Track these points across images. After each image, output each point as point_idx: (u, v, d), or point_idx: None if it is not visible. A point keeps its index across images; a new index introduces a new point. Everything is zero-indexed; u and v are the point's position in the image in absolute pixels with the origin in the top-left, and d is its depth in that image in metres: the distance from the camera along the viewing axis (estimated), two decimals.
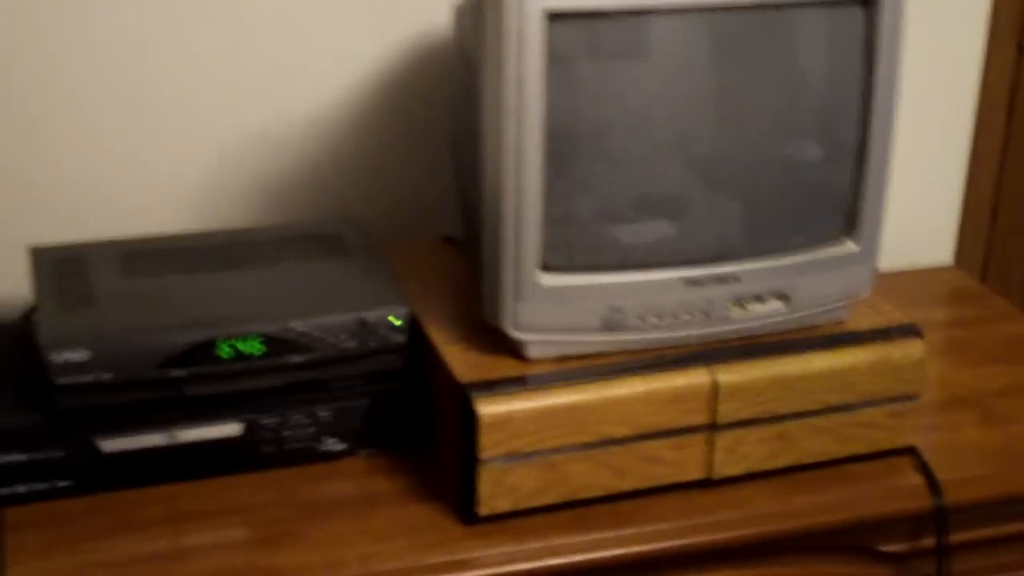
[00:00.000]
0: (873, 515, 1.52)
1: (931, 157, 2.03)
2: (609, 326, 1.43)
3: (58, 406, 1.40)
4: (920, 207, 1.99)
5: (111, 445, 1.43)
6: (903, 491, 1.53)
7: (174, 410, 1.44)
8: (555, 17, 1.30)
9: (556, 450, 1.42)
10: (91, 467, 1.43)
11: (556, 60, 1.32)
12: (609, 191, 1.42)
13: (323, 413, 1.50)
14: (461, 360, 1.44)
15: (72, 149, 1.68)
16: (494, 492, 1.41)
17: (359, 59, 1.74)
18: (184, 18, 1.66)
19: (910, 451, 1.56)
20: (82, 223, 1.68)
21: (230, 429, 1.47)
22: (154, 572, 1.36)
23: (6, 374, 1.50)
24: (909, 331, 1.53)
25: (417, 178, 1.81)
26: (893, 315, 1.56)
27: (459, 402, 1.39)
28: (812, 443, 1.51)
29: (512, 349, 1.44)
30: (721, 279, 1.45)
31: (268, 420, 1.48)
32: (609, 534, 1.44)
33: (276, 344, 1.44)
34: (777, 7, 1.39)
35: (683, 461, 1.47)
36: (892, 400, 1.53)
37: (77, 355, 1.38)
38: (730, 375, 1.45)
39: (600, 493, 1.46)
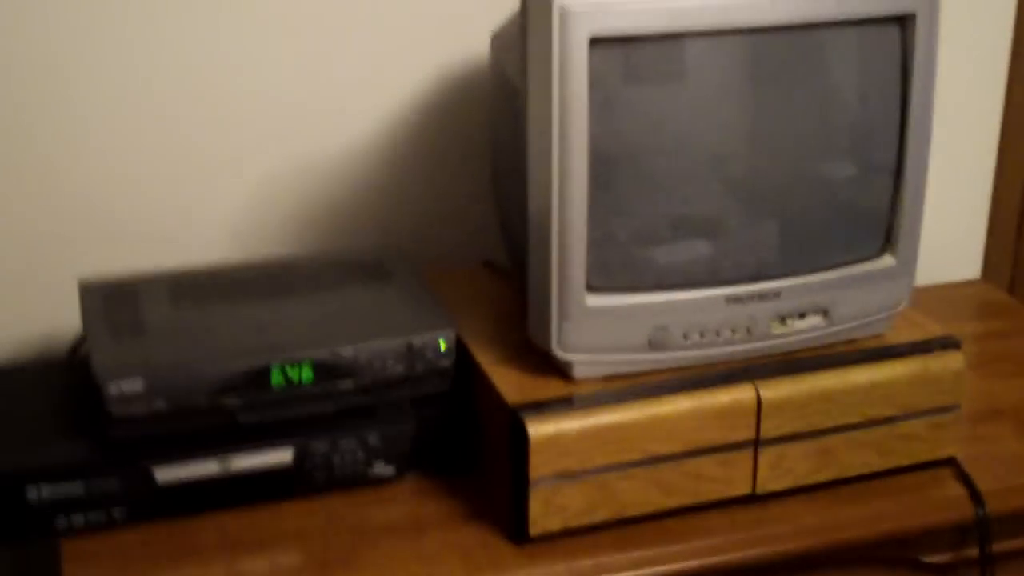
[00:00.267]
0: (916, 526, 1.54)
1: (958, 173, 2.06)
2: (654, 345, 1.45)
3: (114, 436, 1.42)
4: (948, 222, 2.02)
5: (165, 474, 1.45)
6: (945, 502, 1.55)
7: (227, 438, 1.46)
8: (598, 42, 1.32)
9: (604, 468, 1.44)
10: (146, 496, 1.45)
11: (597, 84, 1.34)
12: (650, 212, 1.44)
13: (371, 438, 1.52)
14: (508, 382, 1.46)
15: (115, 183, 1.70)
16: (544, 512, 1.43)
17: (397, 89, 1.76)
18: (227, 53, 1.69)
19: (951, 462, 1.58)
20: (126, 256, 1.70)
21: (282, 456, 1.49)
22: None
23: (58, 406, 1.53)
24: (948, 343, 1.55)
25: (455, 204, 1.83)
26: (931, 328, 1.58)
27: (508, 423, 1.41)
28: (854, 456, 1.53)
29: (558, 370, 1.47)
30: (762, 296, 1.47)
31: (318, 446, 1.50)
32: (658, 551, 1.46)
33: (326, 370, 1.47)
34: (813, 27, 1.42)
35: (729, 477, 1.49)
36: (932, 412, 1.55)
37: (132, 385, 1.40)
38: (773, 391, 1.47)
39: (648, 510, 1.47)
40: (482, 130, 1.74)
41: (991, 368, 1.81)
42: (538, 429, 1.40)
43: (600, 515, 1.45)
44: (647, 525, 1.48)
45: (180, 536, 1.46)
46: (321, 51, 1.72)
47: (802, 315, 1.50)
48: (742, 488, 1.50)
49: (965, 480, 1.55)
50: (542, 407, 1.42)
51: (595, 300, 1.42)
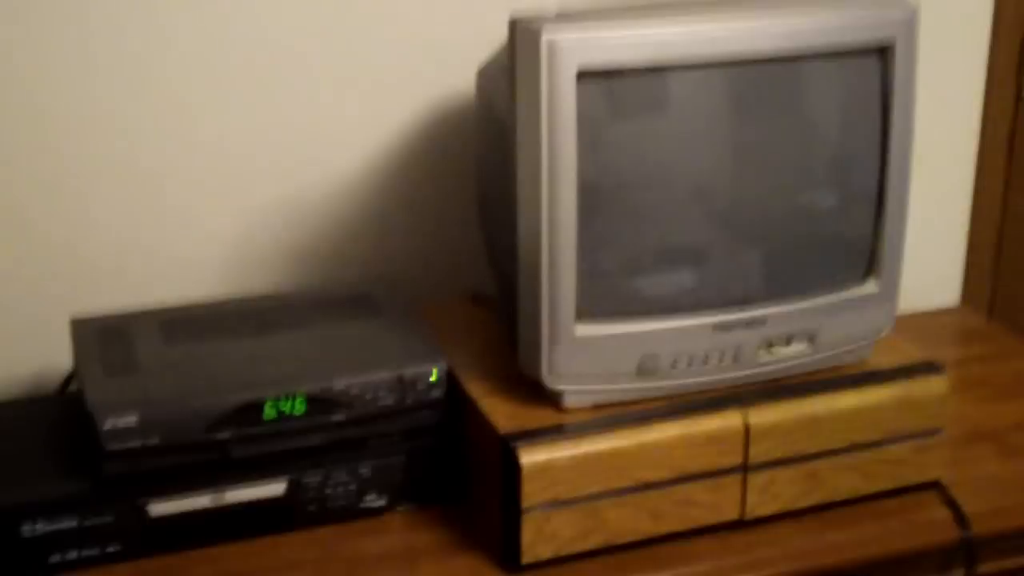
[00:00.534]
0: (903, 549, 1.56)
1: (936, 202, 2.08)
2: (643, 373, 1.47)
3: (108, 471, 1.43)
4: (927, 251, 2.04)
5: (159, 509, 1.46)
6: (931, 524, 1.57)
7: (220, 472, 1.47)
8: (585, 75, 1.35)
9: (595, 496, 1.45)
10: (140, 531, 1.46)
11: (585, 117, 1.37)
12: (637, 242, 1.47)
13: (363, 470, 1.53)
14: (499, 411, 1.48)
15: (105, 222, 1.71)
16: (536, 540, 1.44)
17: (383, 123, 1.78)
18: (216, 87, 1.70)
19: (935, 485, 1.60)
20: (116, 294, 1.71)
21: (274, 489, 1.50)
22: None
23: (50, 442, 1.53)
24: (930, 368, 1.58)
25: (443, 237, 1.85)
26: (913, 353, 1.61)
27: (500, 452, 1.43)
28: (841, 480, 1.55)
29: (548, 399, 1.48)
30: (749, 323, 1.50)
31: (311, 479, 1.51)
32: None
33: (318, 403, 1.48)
34: (794, 59, 1.45)
35: (718, 503, 1.51)
36: (916, 436, 1.57)
37: (126, 420, 1.41)
38: (761, 417, 1.49)
39: (638, 537, 1.49)
40: (468, 163, 1.76)
41: (972, 392, 1.84)
42: (530, 457, 1.41)
43: (591, 542, 1.47)
44: (637, 551, 1.49)
45: (174, 571, 1.46)
46: (308, 86, 1.74)
47: (788, 341, 1.52)
48: (731, 513, 1.52)
49: (950, 503, 1.57)
50: (533, 436, 1.43)
51: (584, 329, 1.44)
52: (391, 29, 1.74)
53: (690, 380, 1.50)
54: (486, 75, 1.59)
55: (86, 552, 1.45)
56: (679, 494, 1.48)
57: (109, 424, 1.41)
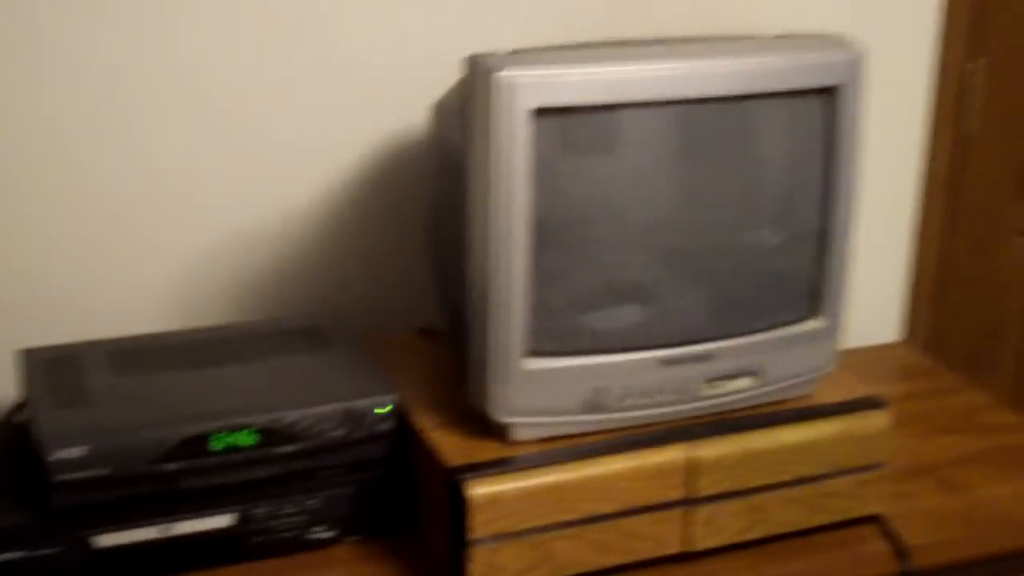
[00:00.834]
0: None
1: (879, 240, 2.12)
2: (591, 407, 1.49)
3: (55, 502, 1.43)
4: (869, 288, 2.07)
5: (106, 540, 1.46)
6: (872, 558, 1.59)
7: (168, 503, 1.47)
8: (539, 113, 1.37)
9: (542, 529, 1.46)
10: (86, 563, 1.45)
11: (538, 154, 1.38)
12: (587, 278, 1.48)
13: (312, 502, 1.54)
14: (447, 445, 1.49)
15: (52, 253, 1.71)
16: (483, 572, 1.45)
17: (335, 157, 1.79)
18: (164, 117, 1.70)
19: (877, 519, 1.62)
20: (64, 326, 1.71)
21: (222, 521, 1.50)
22: None
23: None
24: (873, 403, 1.60)
25: (393, 271, 1.86)
26: (856, 388, 1.63)
27: (448, 485, 1.44)
28: (784, 514, 1.57)
29: (496, 432, 1.49)
30: (695, 358, 1.52)
31: (258, 511, 1.51)
32: None
33: (268, 435, 1.48)
34: (744, 99, 1.47)
35: (663, 536, 1.52)
36: (859, 470, 1.59)
37: (76, 452, 1.41)
38: (706, 451, 1.51)
39: (584, 569, 1.50)
40: (419, 198, 1.77)
41: (914, 427, 1.87)
42: (477, 490, 1.42)
43: (538, 574, 1.48)
44: None
45: None
46: (259, 119, 1.75)
47: (733, 377, 1.54)
48: (676, 546, 1.53)
49: (891, 536, 1.60)
50: (481, 469, 1.44)
51: (533, 364, 1.46)
52: (346, 64, 1.76)
53: (637, 414, 1.51)
54: (440, 110, 1.60)
55: None
56: (625, 527, 1.50)
57: (57, 455, 1.40)
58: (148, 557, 1.48)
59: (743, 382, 1.55)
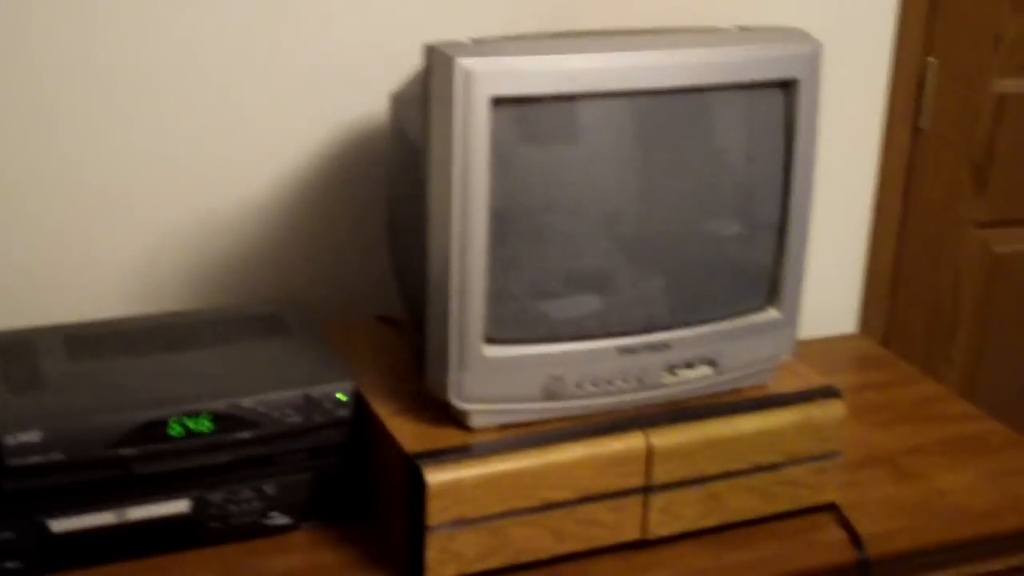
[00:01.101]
0: (799, 570, 1.59)
1: (836, 233, 2.13)
2: (549, 395, 1.49)
3: (9, 487, 1.42)
4: (826, 280, 2.08)
5: (61, 525, 1.45)
6: (827, 546, 1.60)
7: (124, 489, 1.47)
8: (499, 103, 1.37)
9: (500, 515, 1.46)
10: (40, 548, 1.45)
11: (498, 144, 1.39)
12: (545, 267, 1.49)
13: (268, 488, 1.53)
14: (406, 431, 1.49)
15: (6, 237, 1.70)
16: (441, 558, 1.45)
17: (294, 145, 1.79)
18: (121, 103, 1.69)
19: (832, 507, 1.63)
20: (21, 309, 1.70)
21: (178, 506, 1.50)
22: None
23: None
24: (829, 392, 1.61)
25: (351, 259, 1.86)
26: (812, 378, 1.65)
27: (406, 471, 1.44)
28: (741, 502, 1.58)
29: (455, 419, 1.50)
30: (653, 347, 1.52)
31: (215, 497, 1.51)
32: None
33: (225, 421, 1.48)
34: (702, 91, 1.48)
35: (620, 523, 1.53)
36: (814, 459, 1.60)
37: (28, 436, 1.40)
38: (664, 438, 1.52)
39: (542, 556, 1.50)
40: (378, 186, 1.77)
41: (869, 417, 1.88)
42: (436, 477, 1.42)
43: (495, 561, 1.48)
44: (541, 570, 1.50)
45: None
46: (218, 107, 1.74)
47: (691, 365, 1.55)
48: (633, 533, 1.54)
49: (845, 524, 1.61)
50: (439, 455, 1.45)
51: (492, 351, 1.46)
52: (304, 52, 1.75)
53: (595, 402, 1.52)
54: (400, 99, 1.60)
55: None
56: (582, 514, 1.50)
57: (11, 440, 1.39)
58: (103, 542, 1.47)
59: (701, 371, 1.56)
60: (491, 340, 1.46)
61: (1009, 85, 2.20)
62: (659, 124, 1.50)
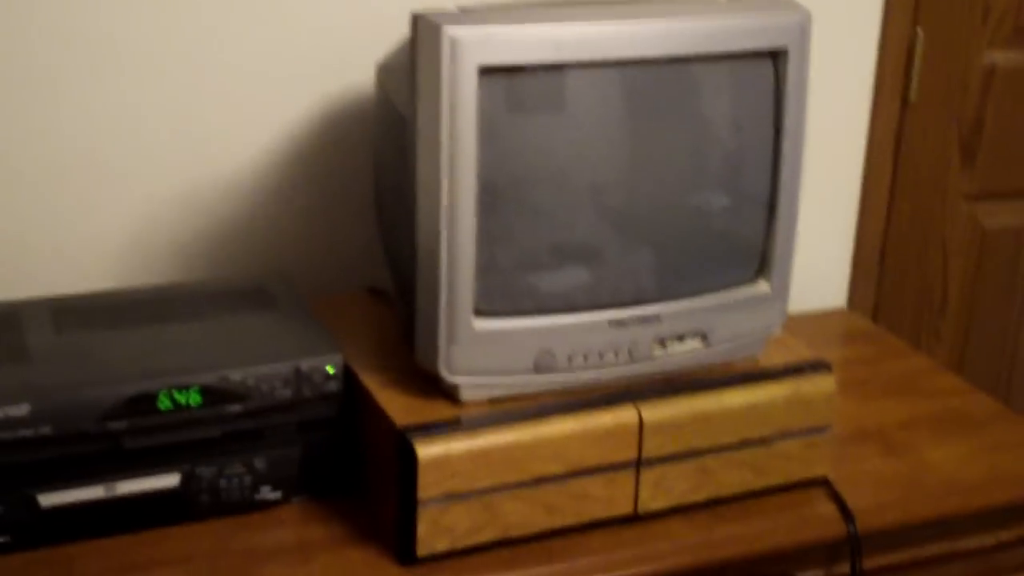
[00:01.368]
0: (791, 544, 1.59)
1: (824, 207, 2.13)
2: (540, 368, 1.49)
3: None
4: (815, 254, 2.08)
5: (49, 499, 1.44)
6: (818, 520, 1.60)
7: (113, 463, 1.46)
8: (486, 72, 1.36)
9: (491, 489, 1.46)
10: (29, 522, 1.44)
11: (485, 113, 1.38)
12: (534, 238, 1.48)
13: (258, 462, 1.52)
14: (396, 405, 1.48)
15: None
16: (432, 532, 1.45)
17: (280, 117, 1.78)
18: (105, 79, 1.68)
19: (823, 482, 1.63)
20: (8, 282, 1.69)
21: (168, 480, 1.49)
22: None
23: None
24: (819, 366, 1.61)
25: (338, 231, 1.85)
26: (803, 352, 1.64)
27: (397, 445, 1.43)
28: (732, 476, 1.58)
29: (445, 393, 1.49)
30: (644, 320, 1.52)
31: (205, 470, 1.50)
32: (541, 570, 1.49)
33: (214, 394, 1.47)
34: (691, 60, 1.47)
35: (612, 497, 1.53)
36: (805, 432, 1.60)
37: (16, 410, 1.39)
38: (654, 412, 1.52)
39: (533, 530, 1.50)
40: (364, 158, 1.76)
41: (858, 391, 1.88)
42: (426, 450, 1.42)
43: (486, 535, 1.48)
44: (532, 545, 1.50)
45: (65, 562, 1.45)
46: (203, 78, 1.73)
47: (681, 338, 1.55)
48: (624, 508, 1.54)
49: (836, 498, 1.61)
50: (430, 429, 1.44)
51: (482, 324, 1.45)
52: (289, 22, 1.74)
53: (586, 375, 1.51)
54: (386, 70, 1.59)
55: None
56: (574, 488, 1.50)
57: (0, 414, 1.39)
58: (92, 516, 1.46)
59: (691, 344, 1.56)
60: (480, 313, 1.45)
61: (998, 57, 2.19)
62: (648, 94, 1.49)
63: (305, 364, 1.51)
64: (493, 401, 1.49)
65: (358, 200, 1.80)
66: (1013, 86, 2.22)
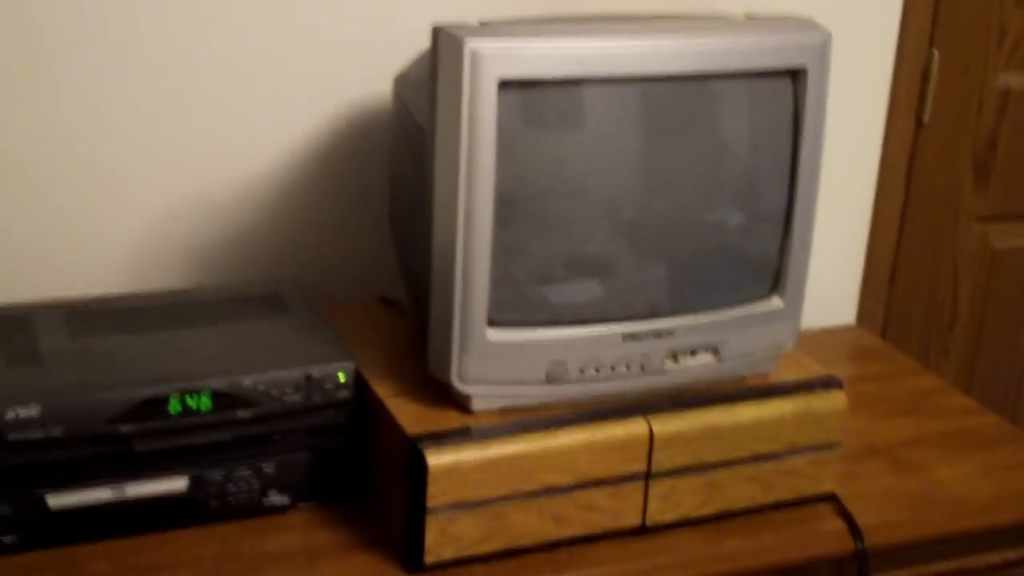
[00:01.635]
0: (798, 559, 1.59)
1: (836, 224, 2.13)
2: (551, 379, 1.49)
3: (7, 462, 1.41)
4: (826, 271, 2.08)
5: (59, 500, 1.44)
6: (826, 536, 1.60)
7: (122, 465, 1.46)
8: (506, 85, 1.36)
9: (499, 499, 1.46)
10: (38, 522, 1.44)
11: (504, 126, 1.38)
12: (549, 251, 1.48)
13: (267, 467, 1.53)
14: (407, 413, 1.48)
15: (8, 212, 1.69)
16: (439, 541, 1.45)
17: (296, 125, 1.78)
18: (123, 82, 1.69)
19: (831, 498, 1.63)
20: (20, 285, 1.69)
21: (177, 484, 1.49)
22: None
23: None
24: (830, 383, 1.61)
25: (352, 240, 1.85)
26: (814, 368, 1.64)
27: (407, 453, 1.43)
28: (740, 490, 1.58)
29: (456, 402, 1.49)
30: (657, 334, 1.52)
31: (214, 475, 1.50)
32: None
33: (224, 399, 1.47)
34: (710, 78, 1.48)
35: (620, 509, 1.53)
36: (814, 449, 1.60)
37: (28, 411, 1.40)
38: (664, 425, 1.52)
39: (540, 541, 1.50)
40: (379, 167, 1.76)
41: (867, 408, 1.88)
42: (437, 459, 1.42)
43: (493, 545, 1.48)
44: (539, 555, 1.50)
45: (73, 563, 1.45)
46: (221, 85, 1.73)
47: (693, 352, 1.55)
48: (632, 520, 1.54)
49: (845, 515, 1.61)
50: (440, 438, 1.44)
51: (495, 334, 1.45)
52: (308, 33, 1.74)
53: (597, 387, 1.51)
54: (404, 81, 1.59)
55: None
56: (582, 499, 1.50)
57: (10, 414, 1.39)
58: (101, 518, 1.46)
59: (703, 358, 1.56)
60: (494, 323, 1.45)
61: (1012, 79, 2.20)
62: (666, 110, 1.49)
63: (316, 371, 1.51)
64: (504, 411, 1.49)
65: (373, 208, 1.80)
66: None
